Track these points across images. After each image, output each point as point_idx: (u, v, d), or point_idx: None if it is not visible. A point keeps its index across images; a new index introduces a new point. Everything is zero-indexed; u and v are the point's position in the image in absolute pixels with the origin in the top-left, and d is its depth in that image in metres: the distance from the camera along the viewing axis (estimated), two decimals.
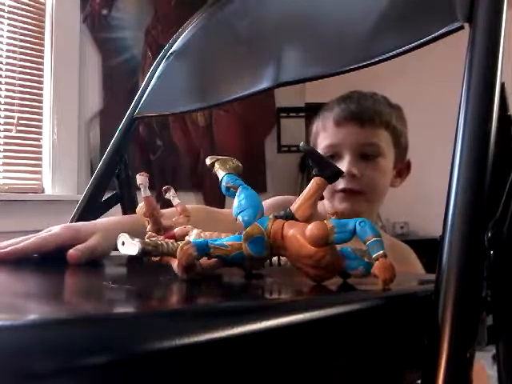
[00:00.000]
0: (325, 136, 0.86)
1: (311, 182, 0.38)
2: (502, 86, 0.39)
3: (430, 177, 2.32)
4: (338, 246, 0.35)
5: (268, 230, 0.35)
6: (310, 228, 0.33)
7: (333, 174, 0.38)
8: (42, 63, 1.91)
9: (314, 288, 0.36)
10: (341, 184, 0.80)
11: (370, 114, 0.84)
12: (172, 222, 0.48)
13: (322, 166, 0.39)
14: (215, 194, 2.05)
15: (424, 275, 0.45)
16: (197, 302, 0.34)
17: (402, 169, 0.92)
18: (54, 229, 0.55)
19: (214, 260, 0.36)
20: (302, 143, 0.40)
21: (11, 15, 1.84)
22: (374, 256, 0.32)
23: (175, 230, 0.45)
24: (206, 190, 2.39)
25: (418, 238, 2.47)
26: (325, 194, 0.75)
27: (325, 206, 0.87)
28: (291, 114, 2.77)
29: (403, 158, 0.91)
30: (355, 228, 0.33)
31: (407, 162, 0.93)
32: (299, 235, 0.34)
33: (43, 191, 1.90)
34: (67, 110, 1.94)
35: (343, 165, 0.81)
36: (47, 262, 0.51)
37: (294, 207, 0.37)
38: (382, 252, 0.32)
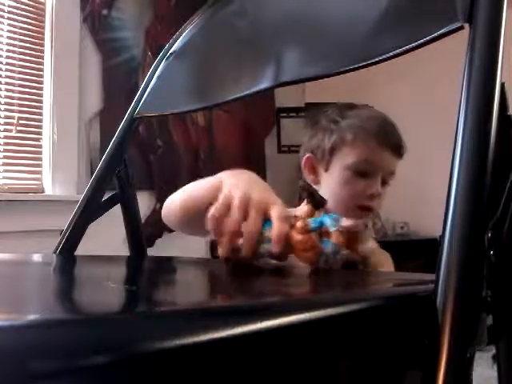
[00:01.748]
0: (363, 150, 0.91)
1: (306, 207, 0.61)
2: (502, 86, 0.39)
3: (429, 177, 2.32)
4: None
5: None
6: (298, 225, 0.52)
7: (319, 204, 0.62)
8: (42, 63, 1.91)
9: (314, 288, 0.36)
10: (366, 201, 0.90)
11: (403, 149, 0.93)
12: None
13: (313, 198, 0.64)
14: None
15: (424, 275, 0.45)
16: (197, 302, 0.34)
17: None
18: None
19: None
20: (300, 181, 0.50)
21: (11, 15, 1.84)
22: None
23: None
24: None
25: (418, 238, 2.47)
26: (339, 208, 0.83)
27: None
28: (291, 114, 2.77)
29: None
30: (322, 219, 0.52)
31: None
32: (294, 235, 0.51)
33: (43, 191, 1.90)
34: (67, 109, 1.94)
35: (373, 184, 0.89)
36: (47, 262, 0.51)
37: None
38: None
